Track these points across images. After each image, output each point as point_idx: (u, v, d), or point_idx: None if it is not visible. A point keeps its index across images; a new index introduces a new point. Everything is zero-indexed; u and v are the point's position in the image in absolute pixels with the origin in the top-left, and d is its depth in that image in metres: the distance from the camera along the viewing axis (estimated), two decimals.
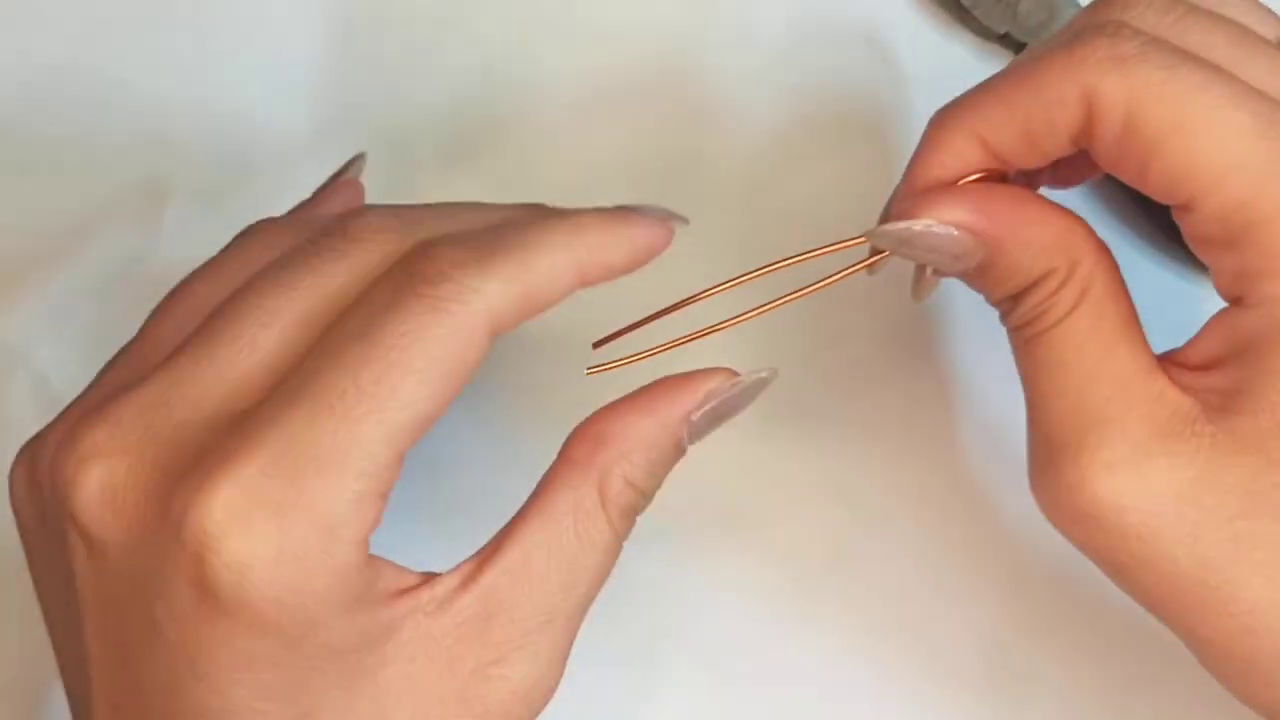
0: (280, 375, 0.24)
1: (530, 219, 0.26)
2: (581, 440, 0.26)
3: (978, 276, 0.27)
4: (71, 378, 0.34)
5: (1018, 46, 0.37)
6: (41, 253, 0.35)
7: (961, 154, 0.27)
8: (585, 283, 0.26)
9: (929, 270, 0.29)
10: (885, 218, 0.28)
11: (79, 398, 0.27)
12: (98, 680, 0.25)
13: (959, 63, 0.37)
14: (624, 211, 0.27)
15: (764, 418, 0.35)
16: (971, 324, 0.35)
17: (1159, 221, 0.35)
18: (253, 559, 0.23)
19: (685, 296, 0.28)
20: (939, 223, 0.26)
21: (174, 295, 0.28)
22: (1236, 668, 0.25)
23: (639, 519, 0.27)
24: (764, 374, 0.27)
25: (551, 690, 0.26)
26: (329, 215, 0.29)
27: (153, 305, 0.28)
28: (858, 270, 0.28)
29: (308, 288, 0.25)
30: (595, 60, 0.37)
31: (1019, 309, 0.27)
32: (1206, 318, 0.26)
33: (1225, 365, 0.25)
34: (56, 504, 0.24)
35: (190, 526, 0.23)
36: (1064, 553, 0.34)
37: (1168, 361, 0.26)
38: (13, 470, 0.27)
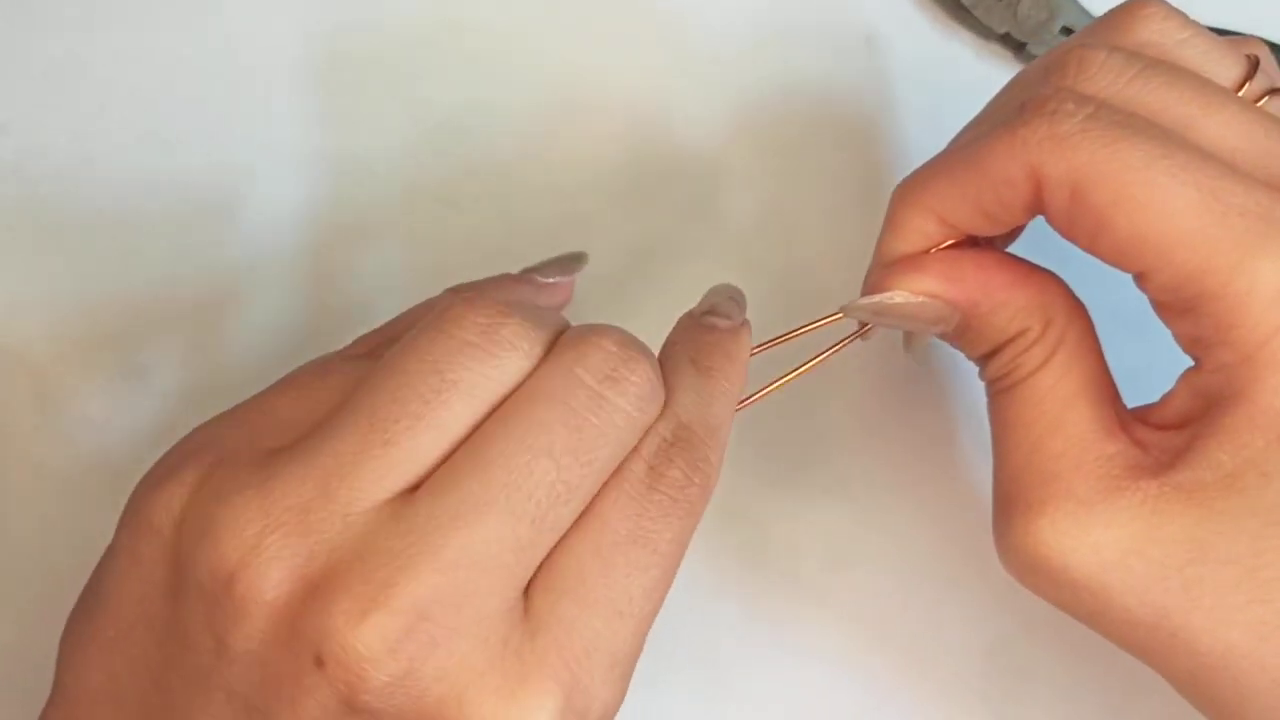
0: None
1: None
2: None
3: (956, 337, 0.28)
4: (71, 377, 0.34)
5: (1018, 46, 0.37)
6: (41, 252, 0.35)
7: (922, 229, 0.28)
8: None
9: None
10: (864, 290, 0.29)
11: (217, 431, 0.26)
12: None
13: (959, 62, 0.37)
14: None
15: (765, 418, 0.35)
16: None
17: None
18: (467, 703, 0.23)
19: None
20: (910, 293, 0.28)
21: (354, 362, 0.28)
22: (1206, 701, 0.26)
23: None
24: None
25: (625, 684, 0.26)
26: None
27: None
28: (850, 342, 0.30)
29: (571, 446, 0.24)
30: (596, 61, 0.37)
31: (991, 365, 0.28)
32: None
33: (1188, 424, 0.26)
34: (207, 565, 0.23)
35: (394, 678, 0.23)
36: None
37: (1137, 419, 0.27)
38: (148, 497, 0.25)
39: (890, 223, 0.29)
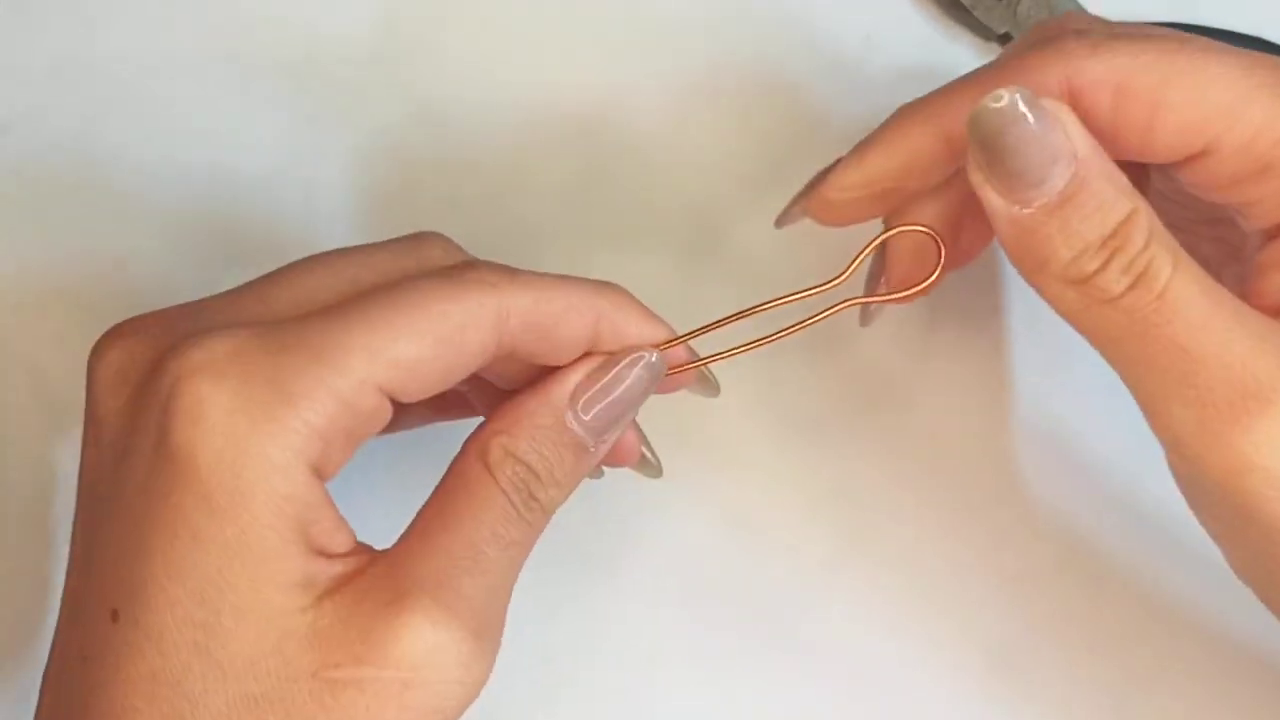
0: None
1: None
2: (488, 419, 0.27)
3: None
4: (70, 377, 0.34)
5: None
6: (40, 252, 0.35)
7: (920, 147, 0.27)
8: (598, 338, 0.27)
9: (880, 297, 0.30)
10: (796, 202, 0.30)
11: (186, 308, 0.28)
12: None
13: (959, 62, 0.37)
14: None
15: (766, 418, 0.35)
16: (971, 328, 0.35)
17: None
18: (210, 403, 0.23)
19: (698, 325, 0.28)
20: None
21: (314, 258, 0.29)
22: None
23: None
24: (648, 356, 0.28)
25: (466, 654, 0.25)
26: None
27: (146, 307, 0.28)
28: (842, 309, 0.29)
29: (356, 255, 0.27)
30: (595, 60, 0.37)
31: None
32: None
33: None
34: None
35: (171, 368, 0.24)
36: (1064, 553, 0.34)
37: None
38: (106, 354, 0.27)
39: (880, 138, 0.28)
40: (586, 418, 0.27)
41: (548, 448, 0.27)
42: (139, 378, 0.25)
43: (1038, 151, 0.25)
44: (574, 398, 0.27)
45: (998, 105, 0.25)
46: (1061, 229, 0.25)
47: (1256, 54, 0.26)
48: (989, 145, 0.25)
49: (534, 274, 0.27)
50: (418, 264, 0.27)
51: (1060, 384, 0.35)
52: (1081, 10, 0.37)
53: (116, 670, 0.24)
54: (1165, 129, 0.26)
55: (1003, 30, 0.37)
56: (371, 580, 0.25)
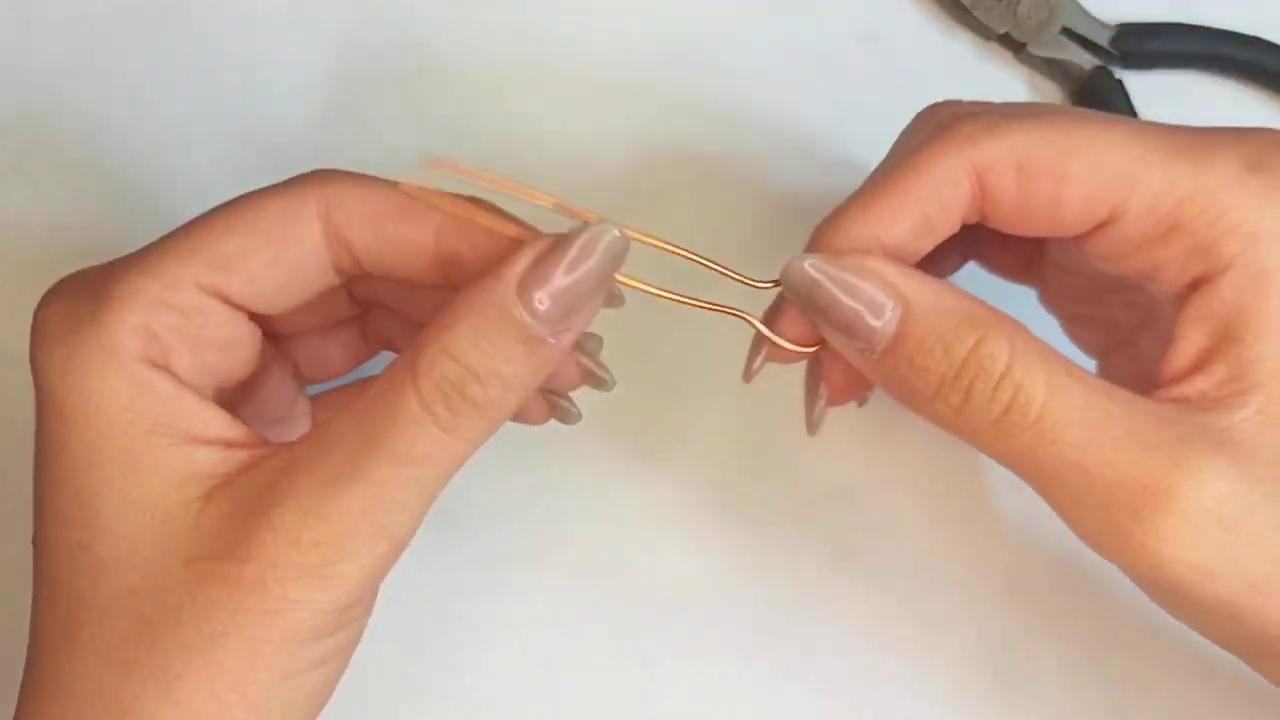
0: None
1: None
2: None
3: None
4: None
5: (1018, 46, 0.37)
6: (39, 251, 0.35)
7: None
8: (443, 241, 0.26)
9: (821, 404, 0.29)
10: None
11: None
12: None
13: (959, 61, 0.37)
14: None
15: (766, 418, 0.35)
16: None
17: None
18: (44, 322, 0.25)
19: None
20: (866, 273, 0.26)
21: None
22: None
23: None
24: (607, 229, 0.25)
25: (363, 560, 0.24)
26: None
27: None
28: (737, 313, 0.27)
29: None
30: (597, 57, 0.37)
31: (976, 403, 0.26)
32: None
33: (1216, 354, 0.25)
34: None
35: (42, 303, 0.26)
36: (1064, 553, 0.34)
37: (1153, 385, 0.26)
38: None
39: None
40: (541, 308, 0.24)
41: (491, 342, 0.24)
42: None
43: (851, 308, 0.25)
44: (523, 285, 0.24)
45: (798, 269, 0.26)
46: (910, 368, 0.25)
47: (1145, 122, 0.26)
48: (808, 304, 0.26)
49: (370, 177, 0.27)
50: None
51: None
52: (1080, 9, 0.37)
53: (35, 590, 0.26)
54: (1071, 200, 0.26)
55: (1003, 30, 0.37)
56: (264, 475, 0.25)
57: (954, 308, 0.25)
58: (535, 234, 0.25)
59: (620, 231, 0.25)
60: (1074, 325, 0.32)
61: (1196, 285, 0.26)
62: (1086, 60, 0.36)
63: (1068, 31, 0.36)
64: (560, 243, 0.25)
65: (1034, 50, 0.37)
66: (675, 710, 0.34)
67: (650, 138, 0.36)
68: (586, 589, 0.34)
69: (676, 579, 0.34)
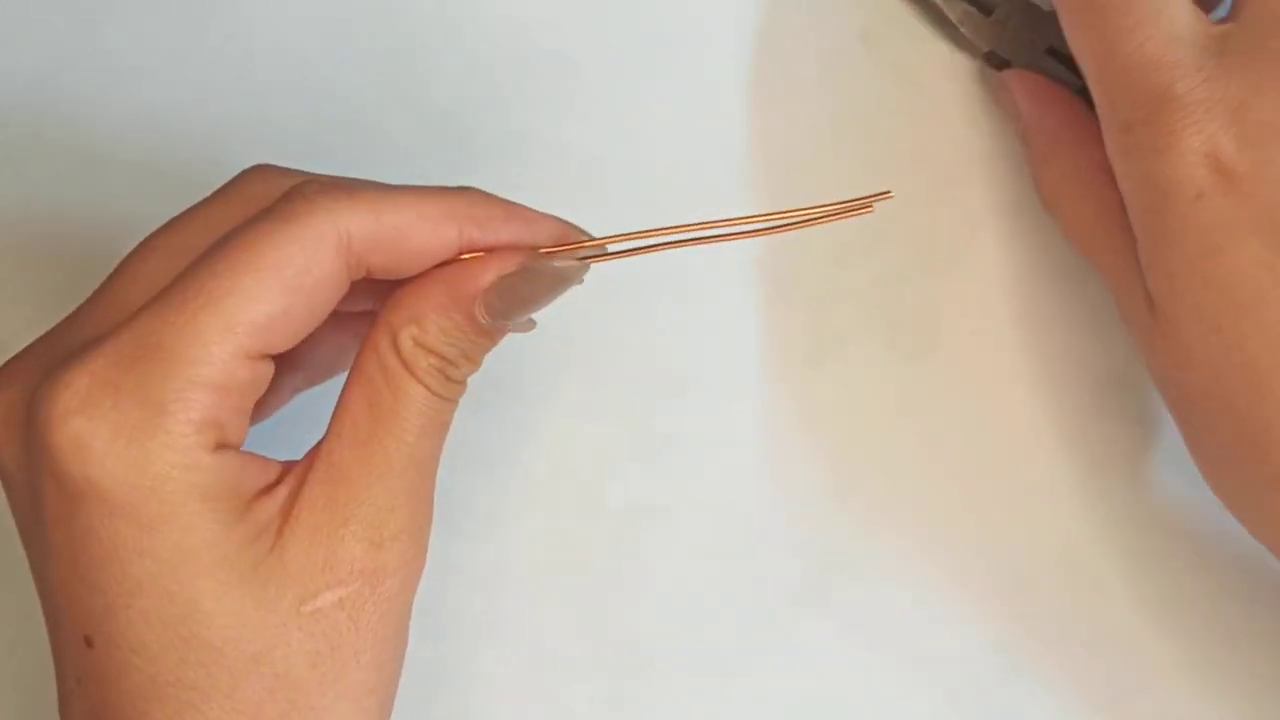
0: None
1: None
2: (386, 305, 0.27)
3: None
4: None
5: (1002, 64, 0.37)
6: (38, 250, 0.35)
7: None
8: (470, 245, 0.27)
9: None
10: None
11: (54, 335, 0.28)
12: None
13: (957, 62, 0.38)
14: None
15: (766, 418, 0.35)
16: (968, 324, 0.35)
17: None
18: (91, 436, 0.24)
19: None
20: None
21: (148, 243, 0.29)
22: None
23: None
24: (562, 266, 0.27)
25: (412, 539, 0.27)
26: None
27: None
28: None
29: (186, 223, 0.28)
30: (598, 54, 0.37)
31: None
32: None
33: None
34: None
35: (41, 414, 0.24)
36: (1064, 553, 0.34)
37: None
38: None
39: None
40: (499, 319, 0.27)
41: (459, 338, 0.27)
42: (22, 422, 0.26)
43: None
44: (486, 297, 0.27)
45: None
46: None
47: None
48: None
49: (375, 187, 0.27)
50: (244, 209, 0.27)
51: (1062, 384, 0.35)
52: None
53: (112, 687, 0.25)
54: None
55: (987, 49, 0.37)
56: (318, 499, 0.26)
57: None
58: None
59: (584, 270, 0.27)
60: None
61: None
62: (1072, 81, 0.37)
63: (1053, 52, 0.37)
64: (522, 272, 0.27)
65: (1019, 69, 0.37)
66: (675, 710, 0.34)
67: (637, 144, 0.37)
68: (587, 588, 0.34)
69: (672, 578, 0.35)
